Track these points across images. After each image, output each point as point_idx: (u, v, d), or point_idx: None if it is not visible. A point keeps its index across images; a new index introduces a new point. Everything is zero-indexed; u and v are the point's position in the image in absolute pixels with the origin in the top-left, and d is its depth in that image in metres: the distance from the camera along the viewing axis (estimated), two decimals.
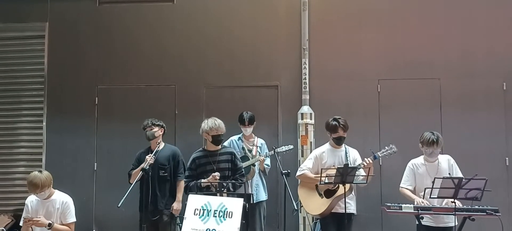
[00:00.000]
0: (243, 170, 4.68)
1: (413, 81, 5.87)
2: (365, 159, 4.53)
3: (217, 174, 4.39)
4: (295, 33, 6.05)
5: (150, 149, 5.04)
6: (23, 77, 6.48)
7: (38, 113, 6.36)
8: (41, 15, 6.38)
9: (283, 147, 5.30)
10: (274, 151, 5.17)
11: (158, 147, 4.93)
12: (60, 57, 6.37)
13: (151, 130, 5.05)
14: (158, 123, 5.13)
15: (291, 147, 5.32)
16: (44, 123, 6.30)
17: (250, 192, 5.13)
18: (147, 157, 4.78)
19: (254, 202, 5.19)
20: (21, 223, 4.34)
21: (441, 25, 5.92)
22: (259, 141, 5.43)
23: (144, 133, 5.09)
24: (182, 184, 4.95)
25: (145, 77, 6.24)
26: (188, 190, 4.50)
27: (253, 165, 5.20)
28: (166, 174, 4.97)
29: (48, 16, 6.39)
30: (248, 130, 5.37)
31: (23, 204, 4.49)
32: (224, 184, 4.26)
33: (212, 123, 4.55)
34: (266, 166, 5.32)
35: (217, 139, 4.56)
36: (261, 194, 5.29)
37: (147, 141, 5.13)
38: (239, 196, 4.99)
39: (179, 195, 4.98)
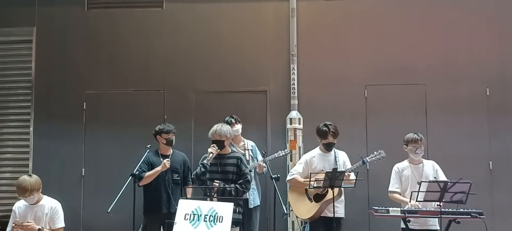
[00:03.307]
0: (248, 176, 4.59)
1: (398, 86, 5.97)
2: (347, 172, 4.57)
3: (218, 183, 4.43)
4: (283, 39, 6.12)
5: (159, 152, 5.07)
6: (10, 82, 6.41)
7: (25, 119, 6.30)
8: (28, 19, 6.33)
9: (275, 153, 5.33)
10: (264, 156, 5.22)
11: (168, 151, 5.07)
12: (47, 62, 6.32)
13: (173, 136, 5.11)
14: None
15: (287, 151, 5.39)
16: (31, 128, 6.25)
17: (247, 197, 5.13)
18: (165, 161, 4.85)
19: (251, 206, 5.21)
20: (8, 229, 4.29)
21: (425, 32, 6.04)
22: (249, 144, 5.44)
23: (164, 135, 5.04)
24: (190, 190, 5.03)
25: (133, 82, 6.23)
26: (195, 177, 4.50)
27: (250, 171, 5.21)
28: (179, 178, 5.06)
29: (35, 20, 6.35)
30: (236, 127, 5.31)
31: (9, 211, 4.45)
32: (228, 187, 4.29)
33: (212, 129, 4.58)
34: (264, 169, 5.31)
35: (214, 143, 4.55)
36: (257, 199, 5.31)
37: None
38: (237, 201, 5.05)
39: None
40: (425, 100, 5.94)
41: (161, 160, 4.92)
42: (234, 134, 5.33)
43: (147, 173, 4.89)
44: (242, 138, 5.46)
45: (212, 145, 4.51)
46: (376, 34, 6.08)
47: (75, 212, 5.97)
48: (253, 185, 5.26)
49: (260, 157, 5.35)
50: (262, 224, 5.75)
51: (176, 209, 4.77)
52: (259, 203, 5.32)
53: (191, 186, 5.04)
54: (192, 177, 4.63)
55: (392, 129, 5.78)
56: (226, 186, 4.32)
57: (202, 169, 4.42)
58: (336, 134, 4.72)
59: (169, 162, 4.88)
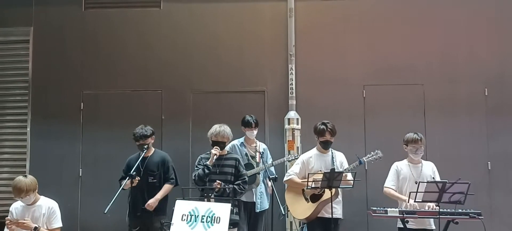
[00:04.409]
0: (246, 177, 4.66)
1: (397, 86, 5.96)
2: (344, 172, 4.55)
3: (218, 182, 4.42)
4: (281, 39, 6.11)
5: (141, 155, 4.95)
6: (7, 82, 6.39)
7: (22, 119, 6.29)
8: (25, 19, 6.32)
9: (284, 157, 5.38)
10: (272, 163, 5.22)
11: (148, 153, 4.92)
12: (44, 62, 6.30)
13: (144, 142, 4.89)
14: (149, 133, 4.96)
15: (296, 155, 5.37)
16: (28, 128, 6.23)
17: (254, 200, 5.16)
18: (133, 180, 4.66)
19: (259, 210, 5.19)
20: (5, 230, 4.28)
21: (424, 32, 6.03)
22: (262, 146, 5.38)
23: (134, 142, 4.94)
24: (168, 187, 4.94)
25: (131, 83, 6.21)
26: (197, 178, 4.49)
27: (258, 173, 5.17)
28: (155, 180, 4.92)
29: (32, 20, 6.33)
30: (255, 133, 5.30)
31: (7, 211, 4.43)
32: (227, 188, 4.31)
33: (213, 129, 4.61)
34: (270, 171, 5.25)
35: (215, 144, 4.56)
36: (265, 203, 5.28)
37: (132, 146, 5.07)
38: (245, 204, 5.03)
39: (160, 194, 4.89)
40: (424, 101, 5.93)
41: (139, 163, 4.76)
42: (249, 137, 5.30)
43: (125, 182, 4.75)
44: (255, 139, 5.40)
45: (214, 147, 4.50)
46: (374, 34, 6.07)
47: (73, 212, 5.94)
48: (261, 188, 5.25)
49: (270, 161, 5.32)
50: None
51: (148, 212, 4.79)
52: (267, 207, 5.29)
53: (170, 184, 4.96)
54: (194, 178, 4.56)
55: (390, 129, 5.77)
56: (226, 186, 4.36)
57: (206, 171, 4.45)
58: (334, 132, 4.71)
59: (136, 181, 4.67)
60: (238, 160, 4.67)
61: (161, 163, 4.98)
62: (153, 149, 5.05)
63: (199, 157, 4.72)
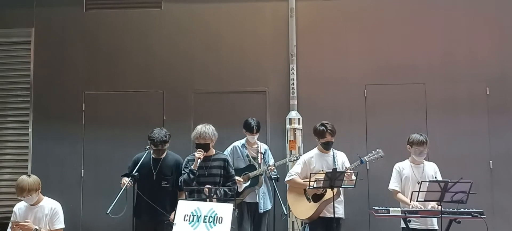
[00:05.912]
0: (235, 178, 4.65)
1: (398, 86, 5.96)
2: (348, 171, 4.54)
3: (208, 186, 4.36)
4: (282, 39, 6.11)
5: (151, 156, 4.82)
6: (9, 83, 6.40)
7: (24, 120, 6.29)
8: (27, 20, 6.32)
9: (286, 159, 5.38)
10: (274, 164, 5.22)
11: (161, 155, 4.77)
12: (46, 63, 6.31)
13: (163, 146, 4.74)
14: (168, 138, 4.73)
15: (298, 156, 5.36)
16: (30, 129, 6.23)
17: (257, 201, 5.15)
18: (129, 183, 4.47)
19: (262, 211, 5.19)
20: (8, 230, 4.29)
21: (425, 31, 6.03)
22: (263, 147, 5.36)
23: (152, 146, 4.73)
24: (183, 194, 4.78)
25: (132, 83, 6.22)
26: (183, 183, 4.44)
27: (260, 174, 5.16)
28: (168, 185, 4.73)
29: (34, 21, 6.34)
30: (255, 137, 5.28)
31: (8, 212, 4.47)
32: (217, 192, 4.24)
33: (195, 131, 4.51)
34: (273, 173, 5.21)
35: (199, 147, 4.47)
36: (268, 203, 5.27)
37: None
38: (249, 204, 5.00)
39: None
40: (425, 100, 5.93)
41: (151, 165, 4.69)
42: (251, 141, 5.29)
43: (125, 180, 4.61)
44: (256, 140, 5.38)
45: (198, 150, 4.42)
46: (376, 34, 6.07)
47: (75, 213, 5.96)
48: (264, 189, 5.24)
49: (272, 161, 5.30)
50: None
51: (160, 217, 4.60)
52: (269, 208, 5.28)
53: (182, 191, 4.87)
54: (180, 183, 4.50)
55: (391, 128, 5.77)
56: (217, 189, 4.24)
57: (191, 176, 4.36)
58: (334, 132, 4.71)
59: (130, 185, 4.48)
60: (226, 160, 4.58)
61: (175, 167, 4.78)
62: (166, 151, 4.87)
63: (185, 159, 4.60)
